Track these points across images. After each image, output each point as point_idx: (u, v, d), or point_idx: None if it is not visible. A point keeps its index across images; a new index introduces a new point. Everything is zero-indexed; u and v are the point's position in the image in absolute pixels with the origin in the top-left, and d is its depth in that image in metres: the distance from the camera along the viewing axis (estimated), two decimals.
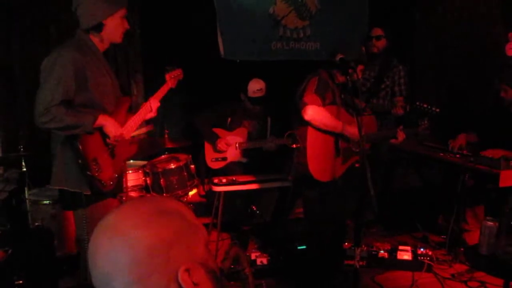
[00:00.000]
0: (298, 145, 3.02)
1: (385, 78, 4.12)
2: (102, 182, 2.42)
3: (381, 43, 4.06)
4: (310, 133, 2.98)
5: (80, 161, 2.34)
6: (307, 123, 2.95)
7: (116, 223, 0.85)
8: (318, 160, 3.02)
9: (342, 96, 3.13)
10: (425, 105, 3.52)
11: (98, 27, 2.39)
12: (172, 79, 2.90)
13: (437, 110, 3.49)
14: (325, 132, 3.02)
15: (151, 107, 2.71)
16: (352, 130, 3.01)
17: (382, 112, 3.97)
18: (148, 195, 3.71)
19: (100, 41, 2.45)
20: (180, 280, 0.82)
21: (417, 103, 3.59)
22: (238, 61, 4.76)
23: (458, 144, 3.74)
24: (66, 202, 2.55)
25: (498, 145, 3.59)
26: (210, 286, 0.87)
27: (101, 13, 2.37)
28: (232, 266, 1.00)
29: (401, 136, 3.22)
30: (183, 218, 0.88)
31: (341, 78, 3.07)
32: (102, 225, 0.86)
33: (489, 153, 3.49)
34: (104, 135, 2.46)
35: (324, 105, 2.95)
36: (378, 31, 4.07)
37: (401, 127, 3.27)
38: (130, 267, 0.80)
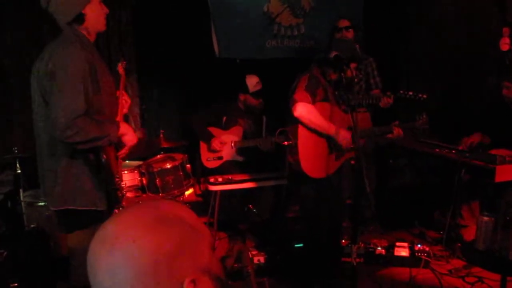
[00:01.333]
0: (290, 142, 3.01)
1: (357, 71, 4.09)
2: (123, 192, 2.30)
3: (350, 34, 3.99)
4: (301, 130, 2.97)
5: (104, 175, 2.15)
6: (298, 120, 2.95)
7: (115, 234, 0.80)
8: (311, 157, 3.01)
9: (336, 93, 3.13)
10: (410, 93, 3.46)
11: (79, 19, 2.15)
12: (123, 70, 2.78)
13: (424, 96, 3.44)
14: (315, 129, 3.01)
15: (123, 104, 2.53)
16: (345, 135, 3.00)
17: (368, 107, 3.96)
18: (144, 195, 3.70)
19: (88, 34, 2.21)
20: None
21: (401, 91, 3.54)
22: (238, 60, 4.75)
23: (470, 142, 3.69)
24: (69, 223, 2.25)
25: (503, 143, 3.57)
26: None
27: (78, 2, 2.14)
28: (235, 265, 0.99)
29: (397, 131, 3.19)
30: (185, 223, 0.84)
31: (333, 76, 3.07)
32: (100, 236, 0.81)
33: (494, 153, 3.48)
34: (116, 144, 2.28)
35: (314, 102, 2.94)
36: (346, 22, 3.98)
37: (397, 122, 3.24)
38: (132, 281, 0.77)
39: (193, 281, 0.80)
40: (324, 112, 3.00)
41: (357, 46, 3.17)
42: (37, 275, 3.00)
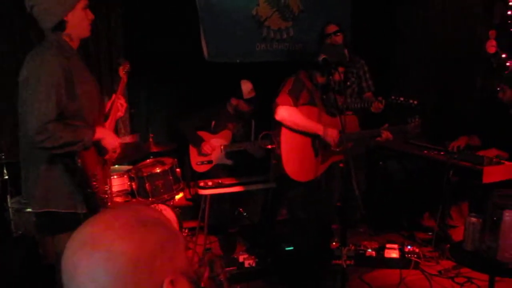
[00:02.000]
0: (274, 146, 3.01)
1: (349, 74, 4.12)
2: (101, 197, 2.28)
3: (340, 38, 4.00)
4: (284, 133, 2.98)
5: (79, 178, 2.17)
6: (281, 124, 2.95)
7: (95, 236, 0.79)
8: (294, 160, 3.01)
9: (324, 97, 3.13)
10: (401, 98, 3.49)
11: (61, 26, 2.16)
12: (125, 74, 2.77)
13: (415, 102, 3.46)
14: (300, 132, 3.02)
15: (118, 107, 2.55)
16: (332, 133, 3.00)
17: (359, 111, 3.97)
18: (134, 200, 3.68)
19: (70, 40, 2.23)
20: None
21: (392, 97, 3.56)
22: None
23: (457, 145, 3.73)
24: (52, 225, 2.27)
25: (495, 145, 3.60)
26: None
27: (60, 9, 2.14)
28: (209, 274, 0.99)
29: (385, 135, 3.19)
30: (164, 226, 0.85)
31: (320, 79, 3.08)
32: (79, 239, 0.80)
33: (483, 154, 3.50)
34: (98, 147, 2.29)
35: (297, 105, 2.94)
36: (334, 27, 3.98)
37: (386, 125, 3.25)
38: (113, 284, 0.77)
39: (172, 282, 0.81)
40: (311, 115, 3.01)
41: (346, 51, 3.18)
42: (25, 282, 2.96)
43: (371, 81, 4.14)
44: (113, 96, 2.58)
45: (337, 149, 3.07)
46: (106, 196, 2.36)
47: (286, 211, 3.71)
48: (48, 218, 2.23)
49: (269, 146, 3.06)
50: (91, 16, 2.28)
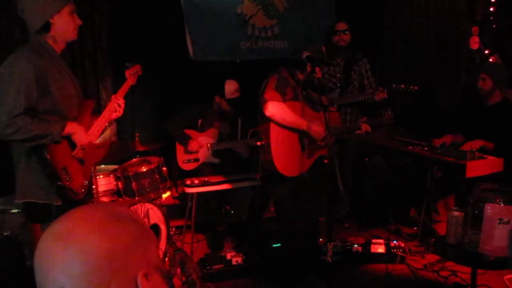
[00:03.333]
0: (263, 142, 3.04)
1: (352, 72, 4.19)
2: (74, 191, 2.34)
3: (348, 37, 4.11)
4: (273, 129, 3.01)
5: (48, 171, 2.26)
6: (269, 120, 2.98)
7: (69, 231, 0.80)
8: (284, 156, 3.05)
9: (304, 93, 3.18)
10: (402, 86, 3.62)
11: (46, 27, 2.30)
12: (132, 75, 2.83)
13: (416, 88, 3.61)
14: (287, 127, 3.05)
15: (115, 107, 2.63)
16: (316, 128, 3.04)
17: (361, 103, 4.06)
18: (120, 199, 3.67)
19: (54, 42, 2.36)
20: (139, 285, 0.80)
21: (393, 85, 3.68)
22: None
23: (441, 142, 3.78)
24: (33, 215, 2.42)
25: (479, 137, 3.65)
26: None
27: (46, 11, 2.28)
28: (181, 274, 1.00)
29: (364, 127, 3.31)
30: (136, 223, 0.87)
31: (301, 76, 3.12)
32: (53, 234, 0.81)
33: (468, 145, 3.55)
34: (72, 142, 2.38)
35: (284, 100, 2.99)
36: (343, 25, 4.12)
37: (364, 119, 3.37)
38: (88, 277, 0.77)
39: (145, 275, 0.82)
40: (296, 110, 3.05)
41: (323, 48, 3.24)
42: (10, 284, 2.94)
43: (372, 79, 4.23)
44: (112, 96, 2.68)
45: (322, 144, 3.12)
46: (83, 190, 2.43)
47: (274, 207, 3.72)
48: (30, 208, 2.36)
49: (258, 143, 3.08)
50: (78, 21, 2.41)
